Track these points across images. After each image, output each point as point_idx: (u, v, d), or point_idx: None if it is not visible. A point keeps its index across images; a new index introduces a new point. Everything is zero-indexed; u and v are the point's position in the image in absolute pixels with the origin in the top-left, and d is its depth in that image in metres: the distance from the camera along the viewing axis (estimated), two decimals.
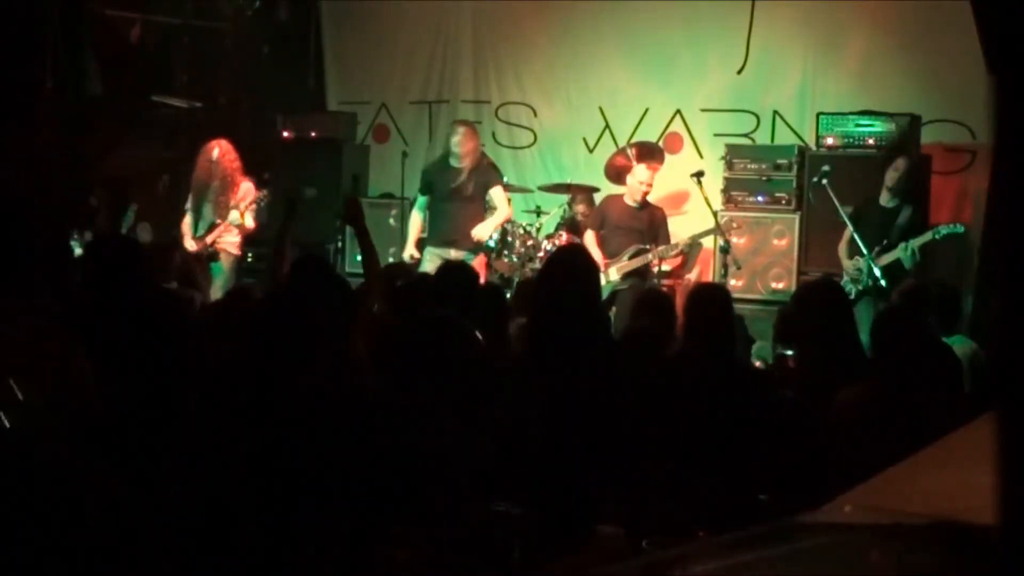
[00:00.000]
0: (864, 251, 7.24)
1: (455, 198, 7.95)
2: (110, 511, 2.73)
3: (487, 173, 8.10)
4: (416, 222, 8.19)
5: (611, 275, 7.97)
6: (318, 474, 3.00)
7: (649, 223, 8.09)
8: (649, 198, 8.18)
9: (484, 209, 8.02)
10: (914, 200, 7.54)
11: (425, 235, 8.17)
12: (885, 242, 7.26)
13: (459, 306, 4.48)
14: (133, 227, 8.65)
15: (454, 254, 7.68)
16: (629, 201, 8.11)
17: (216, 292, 7.76)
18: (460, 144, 7.92)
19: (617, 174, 8.72)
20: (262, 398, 3.10)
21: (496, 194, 8.03)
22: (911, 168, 7.50)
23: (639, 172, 8.13)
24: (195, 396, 3.22)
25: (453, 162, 7.97)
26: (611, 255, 8.00)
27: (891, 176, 7.44)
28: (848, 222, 7.38)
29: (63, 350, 3.09)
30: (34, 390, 2.92)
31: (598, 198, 8.82)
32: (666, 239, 8.09)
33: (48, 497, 2.45)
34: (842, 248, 7.66)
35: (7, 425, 2.69)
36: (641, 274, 7.95)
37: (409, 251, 8.04)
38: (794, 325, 4.62)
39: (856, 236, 7.30)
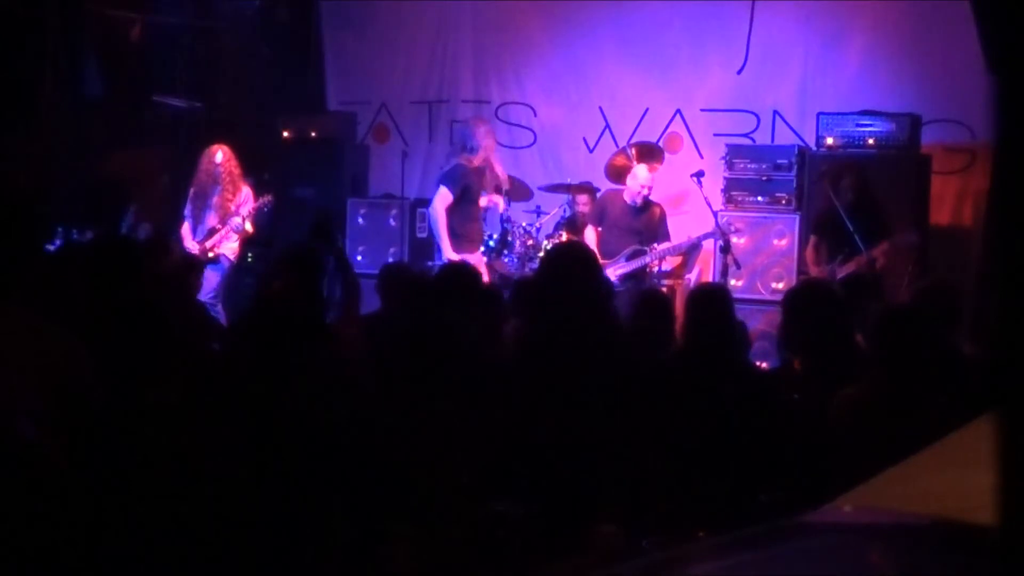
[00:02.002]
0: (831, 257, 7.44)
1: (478, 199, 7.91)
2: (107, 510, 2.73)
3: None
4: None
5: (609, 277, 7.96)
6: (318, 474, 3.00)
7: (648, 223, 8.08)
8: (650, 197, 8.19)
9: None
10: (869, 204, 7.53)
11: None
12: (847, 250, 7.35)
13: (461, 306, 4.47)
14: (133, 227, 8.66)
15: (476, 256, 7.75)
16: (628, 200, 8.11)
17: (210, 293, 7.83)
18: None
19: (617, 174, 8.72)
20: (260, 398, 3.10)
21: None
22: (860, 183, 7.51)
23: (639, 174, 8.12)
24: (194, 395, 3.22)
25: (483, 161, 7.91)
26: (609, 255, 7.97)
27: (843, 197, 7.44)
28: (843, 219, 7.44)
29: (63, 350, 3.09)
30: (34, 390, 2.92)
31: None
32: (665, 236, 8.08)
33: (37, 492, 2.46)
34: (809, 255, 7.76)
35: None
36: (639, 277, 7.93)
37: (451, 254, 7.69)
38: (789, 329, 4.61)
39: (826, 239, 7.51)
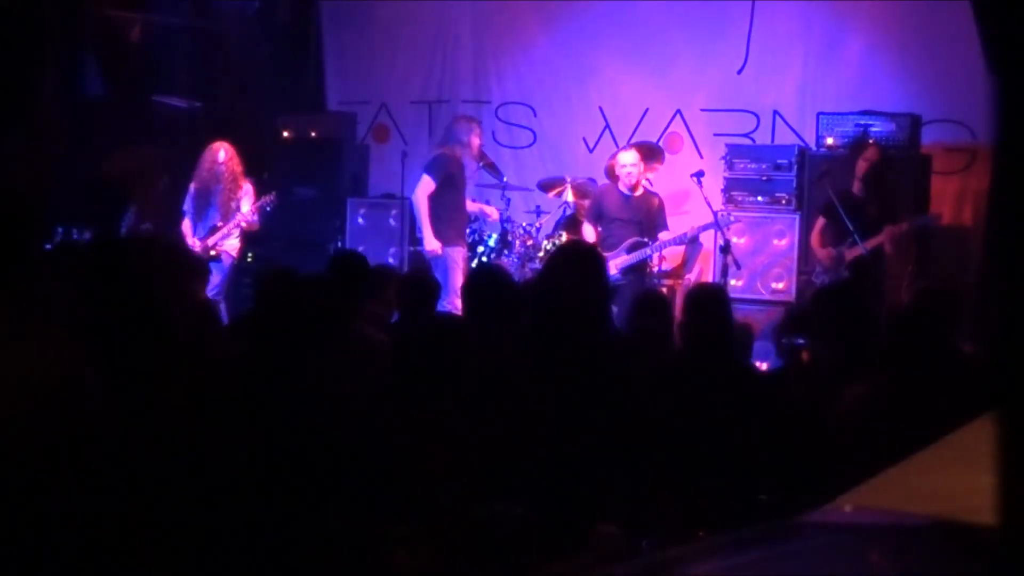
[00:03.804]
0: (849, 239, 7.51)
1: (462, 189, 8.10)
2: (107, 511, 2.73)
3: None
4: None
5: (610, 269, 7.92)
6: (318, 474, 3.00)
7: (646, 212, 8.00)
8: (642, 183, 8.16)
9: None
10: (885, 189, 7.68)
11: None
12: (860, 231, 7.45)
13: (493, 308, 4.43)
14: (133, 227, 8.67)
15: (460, 251, 7.89)
16: (623, 189, 8.06)
17: (213, 291, 7.85)
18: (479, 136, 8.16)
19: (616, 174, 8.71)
20: (262, 398, 3.10)
21: None
22: (882, 158, 7.63)
23: (623, 156, 8.07)
24: (193, 395, 3.22)
25: (467, 156, 8.08)
26: (609, 248, 7.92)
27: (861, 166, 7.65)
28: (839, 209, 7.57)
29: (63, 351, 3.09)
30: (32, 392, 2.92)
31: None
32: (664, 226, 8.04)
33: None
34: (815, 239, 7.83)
35: None
36: (640, 270, 7.90)
37: (432, 243, 7.98)
38: (813, 319, 4.63)
39: (835, 222, 7.58)
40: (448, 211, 7.94)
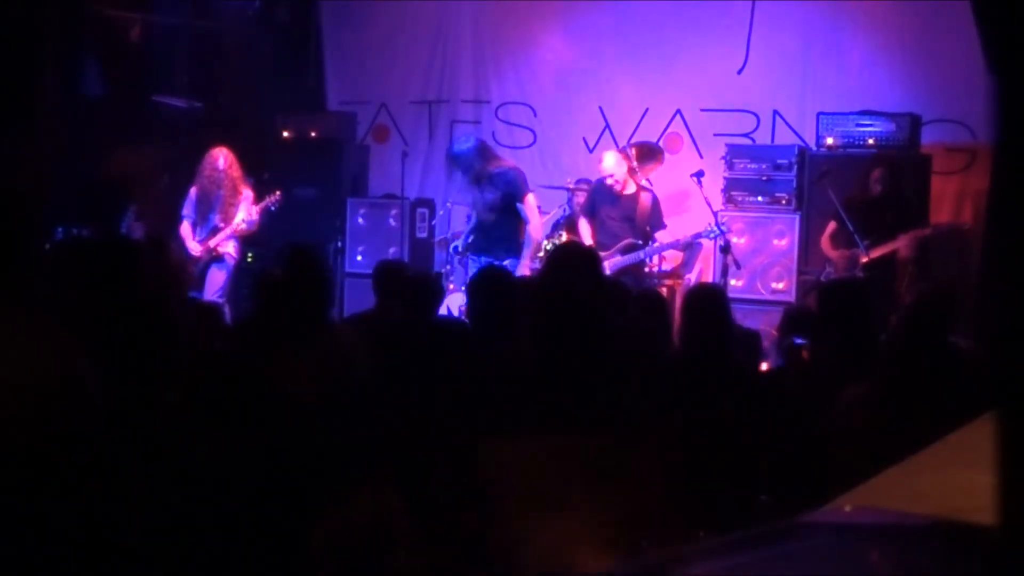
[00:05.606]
0: (856, 242, 7.60)
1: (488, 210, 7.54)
2: (108, 511, 2.73)
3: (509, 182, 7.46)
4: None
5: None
6: (318, 473, 3.00)
7: (640, 211, 7.95)
8: (641, 185, 8.14)
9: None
10: (901, 196, 7.81)
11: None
12: (875, 236, 7.55)
13: (495, 309, 4.42)
14: (132, 227, 8.67)
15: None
16: (613, 189, 8.00)
17: (217, 292, 7.87)
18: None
19: None
20: (262, 397, 3.10)
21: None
22: (891, 175, 7.75)
23: (602, 166, 7.98)
24: (197, 395, 3.22)
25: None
26: (603, 247, 7.77)
27: (873, 186, 7.78)
28: (842, 215, 7.70)
29: (63, 350, 3.09)
30: (33, 391, 2.92)
31: None
32: (661, 224, 8.00)
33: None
34: (826, 241, 7.87)
35: None
36: (633, 272, 7.87)
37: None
38: (816, 315, 4.64)
39: (847, 226, 7.63)
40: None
